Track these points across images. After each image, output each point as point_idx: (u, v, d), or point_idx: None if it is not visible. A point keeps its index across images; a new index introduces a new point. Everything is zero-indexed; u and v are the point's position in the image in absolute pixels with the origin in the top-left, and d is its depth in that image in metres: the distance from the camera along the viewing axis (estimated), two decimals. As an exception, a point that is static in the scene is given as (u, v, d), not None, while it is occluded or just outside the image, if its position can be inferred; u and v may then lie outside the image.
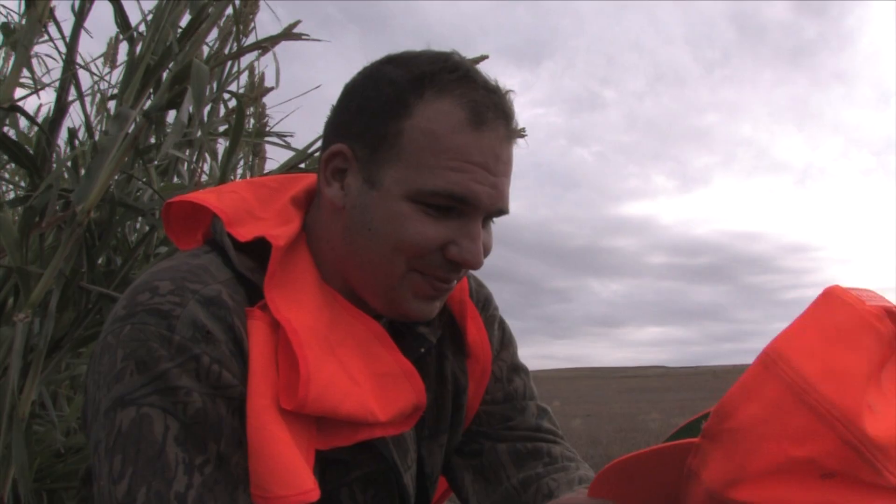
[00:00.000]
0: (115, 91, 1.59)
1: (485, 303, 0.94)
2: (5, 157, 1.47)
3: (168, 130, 1.62)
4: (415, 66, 0.72)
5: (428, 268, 0.72)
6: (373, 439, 0.73)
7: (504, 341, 0.95)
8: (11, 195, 1.87)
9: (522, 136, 1.40)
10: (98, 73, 1.70)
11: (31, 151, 1.34)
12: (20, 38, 1.30)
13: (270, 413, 0.64)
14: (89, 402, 0.67)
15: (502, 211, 0.75)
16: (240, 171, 2.29)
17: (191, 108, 1.22)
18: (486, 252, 0.75)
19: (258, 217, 0.76)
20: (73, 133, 1.53)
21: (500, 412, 0.92)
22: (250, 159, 2.27)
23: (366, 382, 0.71)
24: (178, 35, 1.41)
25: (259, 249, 0.72)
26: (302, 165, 1.70)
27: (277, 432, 0.64)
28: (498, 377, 0.92)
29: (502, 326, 0.96)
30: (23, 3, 1.30)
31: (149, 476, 0.60)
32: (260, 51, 1.51)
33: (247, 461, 0.63)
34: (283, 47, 1.73)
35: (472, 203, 0.70)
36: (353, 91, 0.76)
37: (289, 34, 1.42)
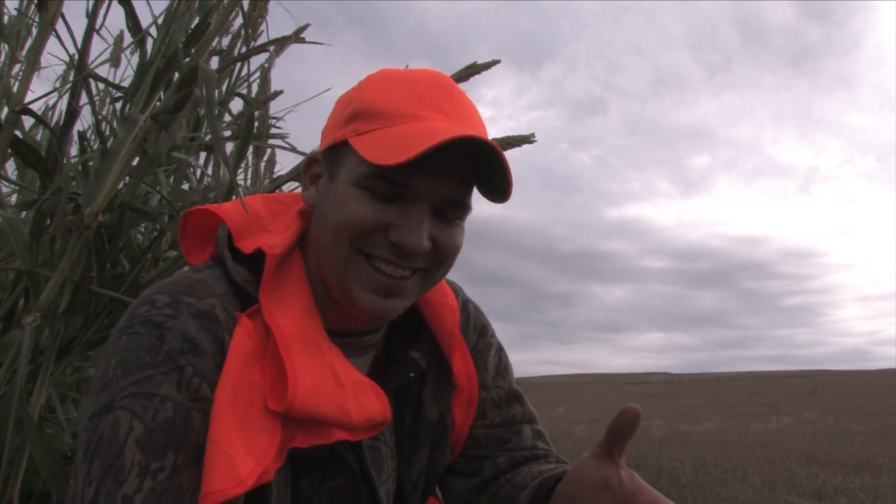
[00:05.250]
0: (123, 94, 1.59)
1: (482, 330, 0.97)
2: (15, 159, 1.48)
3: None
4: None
5: (369, 247, 0.73)
6: (350, 449, 0.76)
7: (500, 369, 0.97)
8: (14, 198, 1.87)
9: (531, 142, 1.38)
10: (106, 80, 1.71)
11: (43, 154, 1.34)
12: (31, 42, 1.30)
13: (223, 415, 0.65)
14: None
15: (454, 202, 0.74)
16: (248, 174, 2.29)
17: (200, 111, 1.22)
18: (451, 251, 0.76)
19: (268, 230, 0.80)
20: (82, 136, 1.54)
21: (497, 435, 0.95)
22: (252, 162, 2.28)
23: (348, 385, 0.73)
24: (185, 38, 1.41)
25: (259, 261, 0.75)
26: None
27: (221, 435, 0.64)
28: (496, 403, 0.95)
29: (499, 353, 0.98)
30: (33, 4, 1.31)
31: (105, 476, 0.62)
32: (269, 53, 1.51)
33: (199, 476, 0.65)
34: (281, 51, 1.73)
35: (413, 190, 0.72)
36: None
37: (297, 37, 1.43)
